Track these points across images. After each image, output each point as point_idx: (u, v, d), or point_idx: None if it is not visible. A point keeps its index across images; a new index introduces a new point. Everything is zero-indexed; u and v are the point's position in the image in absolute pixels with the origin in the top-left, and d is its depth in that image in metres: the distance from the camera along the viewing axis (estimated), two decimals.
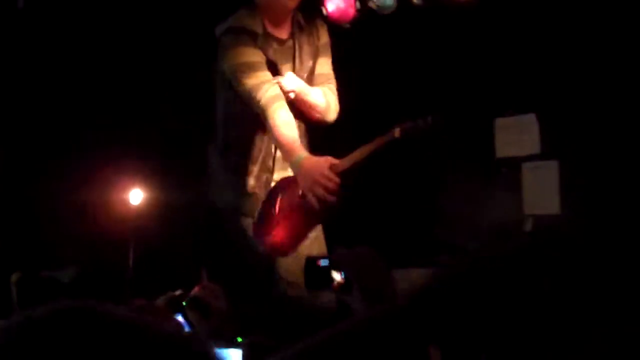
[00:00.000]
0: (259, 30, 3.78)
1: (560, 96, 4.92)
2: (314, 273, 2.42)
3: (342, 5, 4.85)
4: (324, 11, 4.80)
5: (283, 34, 3.89)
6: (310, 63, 3.88)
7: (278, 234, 3.65)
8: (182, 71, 5.22)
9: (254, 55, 3.69)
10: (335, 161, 3.60)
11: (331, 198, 3.51)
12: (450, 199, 5.45)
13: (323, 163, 3.55)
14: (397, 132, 3.58)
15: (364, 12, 4.81)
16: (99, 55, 5.38)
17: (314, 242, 3.86)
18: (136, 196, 5.08)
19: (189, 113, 5.22)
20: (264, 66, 3.69)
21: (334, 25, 4.75)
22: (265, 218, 3.69)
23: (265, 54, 3.75)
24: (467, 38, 5.08)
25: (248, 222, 3.79)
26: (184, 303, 2.48)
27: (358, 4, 4.83)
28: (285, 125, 3.61)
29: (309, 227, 3.70)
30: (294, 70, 3.82)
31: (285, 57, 3.86)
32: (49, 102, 5.39)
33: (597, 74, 4.72)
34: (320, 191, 3.48)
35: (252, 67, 3.65)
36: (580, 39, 4.78)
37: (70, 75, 5.38)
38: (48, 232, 5.21)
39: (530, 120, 5.09)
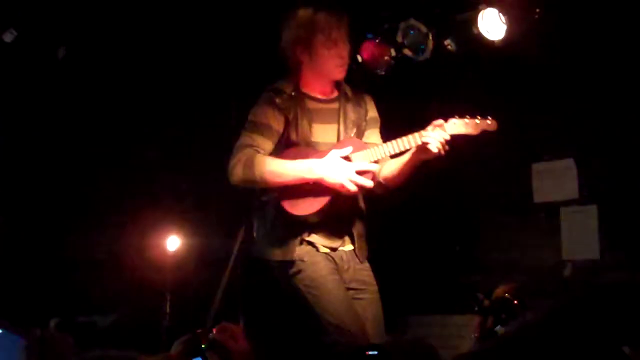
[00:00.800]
0: (289, 90, 3.84)
1: (597, 140, 4.89)
2: None
3: (376, 52, 4.90)
4: (359, 58, 4.85)
5: (326, 94, 3.92)
6: (354, 131, 3.91)
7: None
8: (222, 117, 5.29)
9: (267, 118, 3.76)
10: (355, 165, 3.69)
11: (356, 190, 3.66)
12: (489, 245, 5.41)
13: (346, 169, 3.65)
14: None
15: (399, 59, 4.85)
16: (136, 103, 5.46)
17: (370, 304, 3.83)
18: (173, 243, 5.11)
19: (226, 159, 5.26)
20: (268, 131, 3.75)
21: (368, 72, 4.80)
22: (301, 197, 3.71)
23: (287, 113, 3.78)
24: (500, 83, 5.09)
25: (292, 268, 3.77)
26: (203, 346, 2.42)
27: (392, 51, 4.87)
28: (279, 161, 3.68)
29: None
30: (338, 132, 3.88)
31: (329, 116, 3.88)
32: (87, 149, 5.47)
33: (633, 118, 4.69)
34: (349, 190, 3.64)
35: (256, 127, 3.75)
36: (616, 84, 4.76)
37: (109, 123, 5.46)
38: (86, 278, 5.26)
39: (568, 165, 5.06)
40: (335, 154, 3.69)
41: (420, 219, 5.55)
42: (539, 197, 5.21)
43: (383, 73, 4.91)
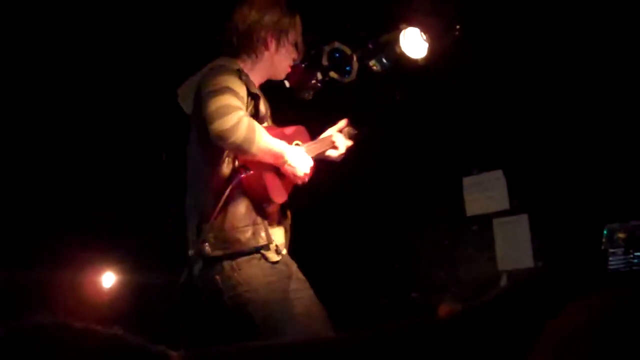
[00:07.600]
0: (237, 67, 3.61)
1: (523, 150, 4.99)
2: None
3: (303, 77, 4.93)
4: (287, 84, 4.87)
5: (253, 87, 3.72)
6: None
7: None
8: (159, 150, 5.25)
9: (238, 87, 3.45)
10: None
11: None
12: (426, 261, 5.46)
13: (308, 163, 3.67)
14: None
15: (325, 82, 4.88)
16: (69, 140, 5.40)
17: (312, 301, 3.50)
18: (108, 279, 5.04)
19: (163, 191, 5.23)
20: (242, 102, 3.44)
21: (296, 97, 4.83)
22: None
23: (251, 88, 3.57)
24: (430, 101, 5.17)
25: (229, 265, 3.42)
26: None
27: (319, 74, 4.91)
28: (269, 135, 3.48)
29: None
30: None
31: (267, 108, 3.78)
32: (22, 186, 5.37)
33: (554, 126, 4.80)
34: (300, 181, 3.63)
35: (234, 93, 3.39)
36: (537, 95, 4.87)
37: (42, 159, 5.38)
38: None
39: (497, 177, 5.15)
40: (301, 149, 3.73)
41: (356, 238, 5.57)
42: (471, 210, 5.29)
43: (310, 97, 4.94)
